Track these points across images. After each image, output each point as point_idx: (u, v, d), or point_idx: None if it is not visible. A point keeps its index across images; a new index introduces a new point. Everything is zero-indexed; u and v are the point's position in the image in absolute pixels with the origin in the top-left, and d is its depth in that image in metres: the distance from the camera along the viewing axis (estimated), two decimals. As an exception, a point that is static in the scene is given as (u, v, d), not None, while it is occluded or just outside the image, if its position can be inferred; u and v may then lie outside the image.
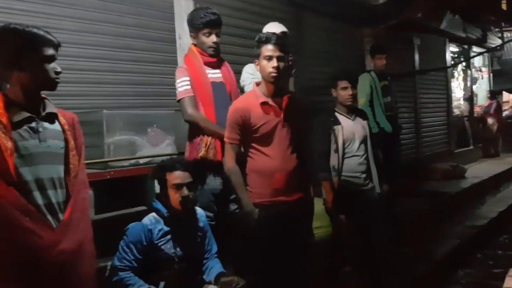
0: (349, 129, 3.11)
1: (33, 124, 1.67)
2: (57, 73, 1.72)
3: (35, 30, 1.68)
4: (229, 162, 2.43)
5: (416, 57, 7.79)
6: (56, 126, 1.76)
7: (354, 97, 3.14)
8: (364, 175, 3.13)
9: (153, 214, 2.34)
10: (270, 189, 2.42)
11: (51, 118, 1.74)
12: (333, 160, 3.09)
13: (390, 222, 3.73)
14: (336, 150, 3.09)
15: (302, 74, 4.47)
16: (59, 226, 1.65)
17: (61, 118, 1.78)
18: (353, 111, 3.21)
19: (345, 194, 3.05)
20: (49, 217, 1.64)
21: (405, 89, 7.40)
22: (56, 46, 1.72)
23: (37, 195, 1.62)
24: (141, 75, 3.64)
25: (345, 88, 3.10)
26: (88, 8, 3.36)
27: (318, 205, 3.04)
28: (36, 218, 1.59)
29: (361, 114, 3.29)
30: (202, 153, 2.64)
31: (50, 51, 1.69)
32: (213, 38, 2.70)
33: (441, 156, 8.23)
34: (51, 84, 1.72)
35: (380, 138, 3.98)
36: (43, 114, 1.72)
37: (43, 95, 1.77)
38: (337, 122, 3.11)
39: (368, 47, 5.29)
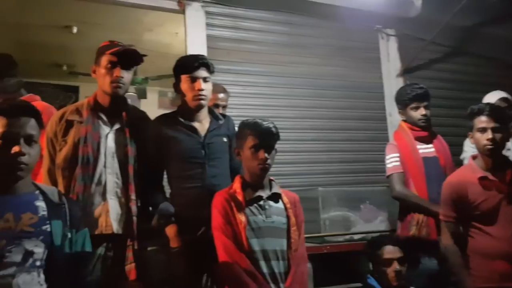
0: None
1: (261, 202, 1.96)
2: (266, 159, 1.94)
3: (253, 124, 1.98)
4: (446, 241, 2.29)
5: None
6: (280, 204, 2.01)
7: None
8: None
9: (368, 290, 2.36)
10: (497, 274, 2.15)
11: (276, 197, 2.01)
12: None
13: None
14: None
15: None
16: (282, 295, 1.84)
17: (284, 197, 2.03)
18: None
19: None
20: (272, 285, 1.84)
21: None
22: (272, 136, 1.98)
23: (263, 264, 1.85)
24: (353, 153, 3.83)
25: None
26: (306, 97, 3.79)
27: None
28: (262, 284, 1.81)
29: None
30: (413, 231, 2.57)
31: (265, 141, 1.95)
32: (422, 111, 2.71)
33: None
34: (263, 168, 1.95)
35: None
36: (270, 194, 2.00)
37: (270, 178, 2.07)
38: None
39: None
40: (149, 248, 2.14)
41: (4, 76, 2.61)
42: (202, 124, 2.20)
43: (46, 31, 4.90)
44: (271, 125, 1.99)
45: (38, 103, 2.54)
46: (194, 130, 2.16)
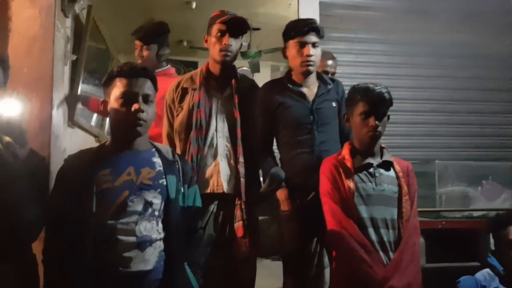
0: None
1: (371, 170, 1.90)
2: (376, 127, 1.85)
3: (364, 89, 1.88)
4: None
5: None
6: (391, 173, 1.93)
7: None
8: None
9: (488, 270, 2.19)
10: None
11: (387, 165, 1.93)
12: None
13: None
14: None
15: None
16: (390, 264, 1.77)
17: (396, 166, 1.95)
18: None
19: None
20: (381, 253, 1.79)
21: None
22: (385, 102, 1.87)
23: (371, 232, 1.81)
24: (477, 126, 3.53)
25: None
26: (426, 66, 3.57)
27: None
28: (370, 252, 1.77)
29: None
30: None
31: (376, 108, 1.85)
32: None
33: None
34: (372, 136, 1.86)
35: None
36: (380, 161, 1.93)
37: (382, 145, 1.98)
38: None
39: None
40: (258, 212, 2.20)
41: (164, 45, 2.79)
42: (311, 89, 2.19)
43: (170, 9, 5.20)
44: (383, 90, 1.88)
45: (172, 78, 2.71)
46: (303, 96, 2.16)
